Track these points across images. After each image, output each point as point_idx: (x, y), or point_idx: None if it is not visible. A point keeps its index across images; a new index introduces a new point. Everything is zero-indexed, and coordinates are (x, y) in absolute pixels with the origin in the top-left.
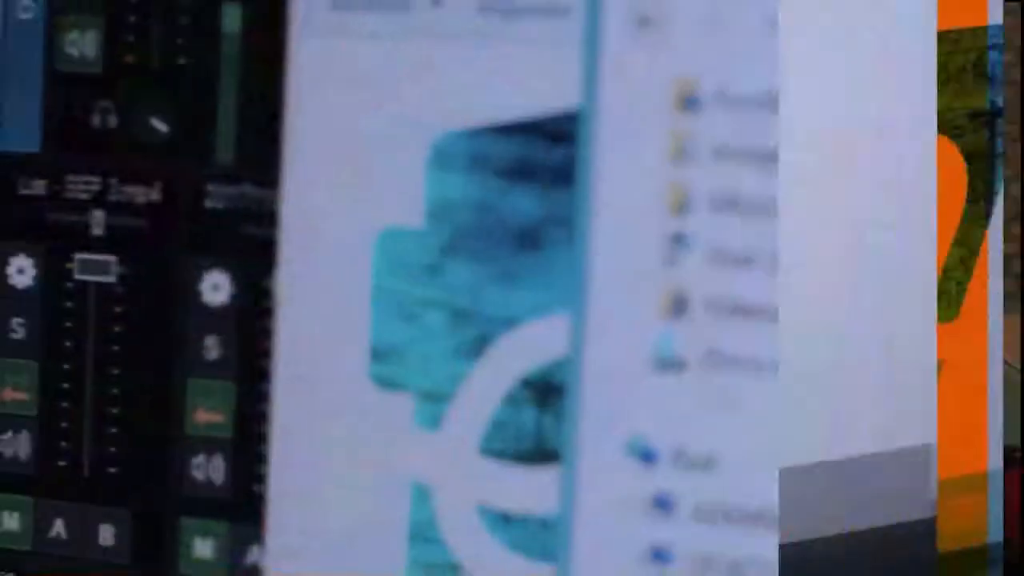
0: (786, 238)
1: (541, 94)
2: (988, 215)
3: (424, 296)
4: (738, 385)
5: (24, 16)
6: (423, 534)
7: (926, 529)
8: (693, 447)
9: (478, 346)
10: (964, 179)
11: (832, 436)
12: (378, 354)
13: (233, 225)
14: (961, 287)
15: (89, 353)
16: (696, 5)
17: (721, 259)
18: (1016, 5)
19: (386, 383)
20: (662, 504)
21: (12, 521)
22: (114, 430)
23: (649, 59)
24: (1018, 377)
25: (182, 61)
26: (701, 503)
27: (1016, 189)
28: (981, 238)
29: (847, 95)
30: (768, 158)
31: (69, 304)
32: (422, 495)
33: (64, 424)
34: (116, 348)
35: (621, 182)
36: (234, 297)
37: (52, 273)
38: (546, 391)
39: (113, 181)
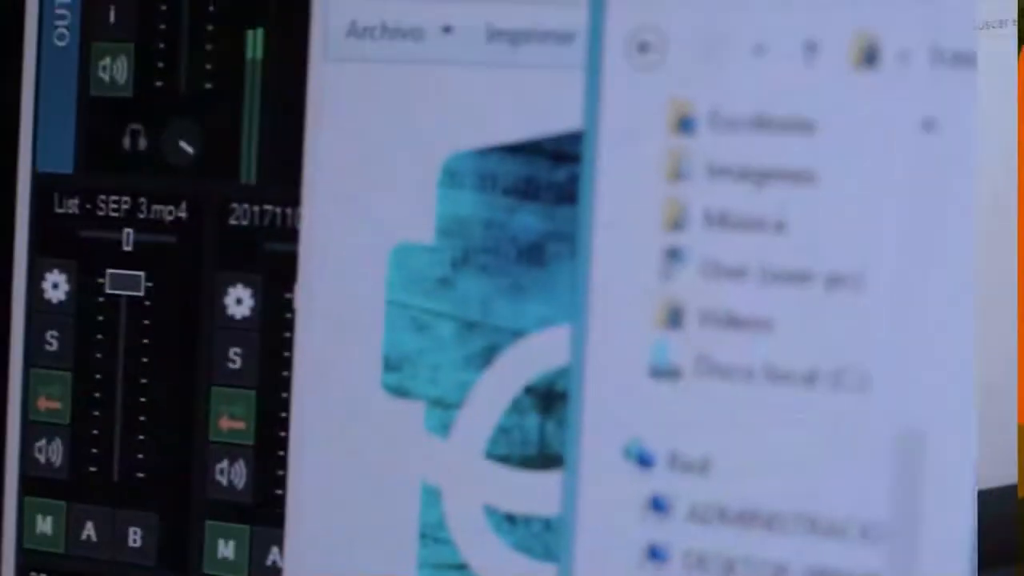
0: None
1: (546, 116)
2: None
3: (435, 308)
4: (730, 392)
5: (59, 44)
6: (432, 535)
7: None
8: (687, 451)
9: (486, 356)
10: None
11: None
12: (390, 364)
13: (256, 242)
14: None
15: (119, 364)
16: (691, 33)
17: (714, 272)
18: None
19: (398, 391)
20: (658, 505)
21: (46, 524)
22: (142, 437)
23: (647, 83)
24: None
25: (208, 86)
26: (695, 504)
27: None
28: None
29: None
30: (758, 175)
31: (100, 317)
32: (432, 497)
33: (95, 431)
34: (144, 359)
35: (620, 200)
36: (256, 310)
37: (85, 288)
38: (549, 398)
39: (142, 200)
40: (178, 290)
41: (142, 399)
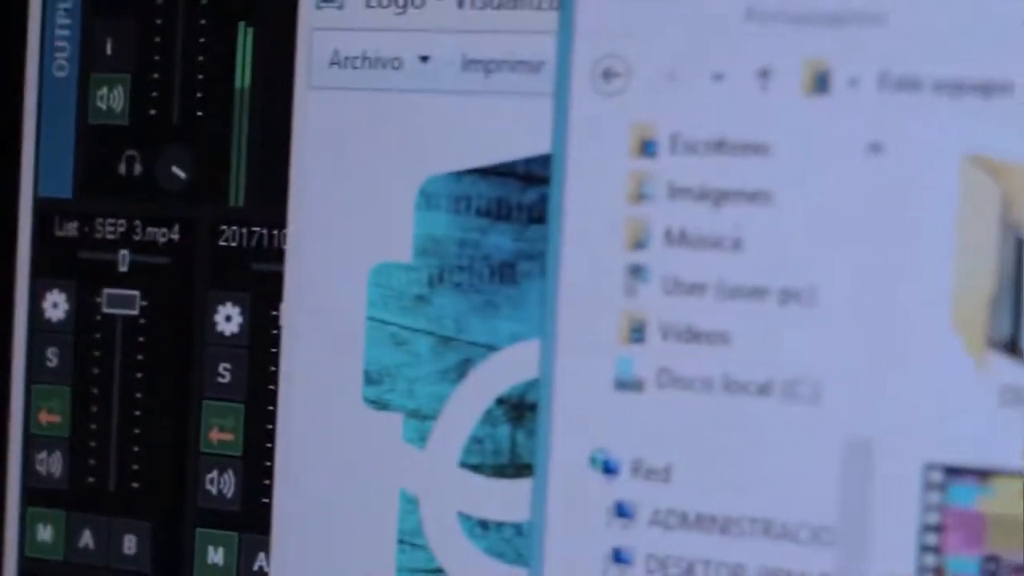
0: None
1: (517, 140)
2: None
3: (412, 325)
4: (690, 403)
5: (59, 74)
6: (410, 540)
7: None
8: (650, 459)
9: (460, 370)
10: None
11: None
12: (371, 378)
13: (244, 262)
14: None
15: (115, 379)
16: (653, 61)
17: (675, 289)
18: None
19: (378, 404)
20: (622, 511)
21: (46, 533)
22: (137, 449)
23: (611, 108)
24: None
25: (199, 114)
26: (657, 510)
27: None
28: None
29: None
30: (716, 196)
31: (97, 335)
32: (409, 505)
33: (93, 444)
34: (139, 375)
35: (586, 220)
36: (244, 327)
37: (83, 307)
38: (519, 410)
39: (137, 223)
40: (171, 308)
41: (137, 412)
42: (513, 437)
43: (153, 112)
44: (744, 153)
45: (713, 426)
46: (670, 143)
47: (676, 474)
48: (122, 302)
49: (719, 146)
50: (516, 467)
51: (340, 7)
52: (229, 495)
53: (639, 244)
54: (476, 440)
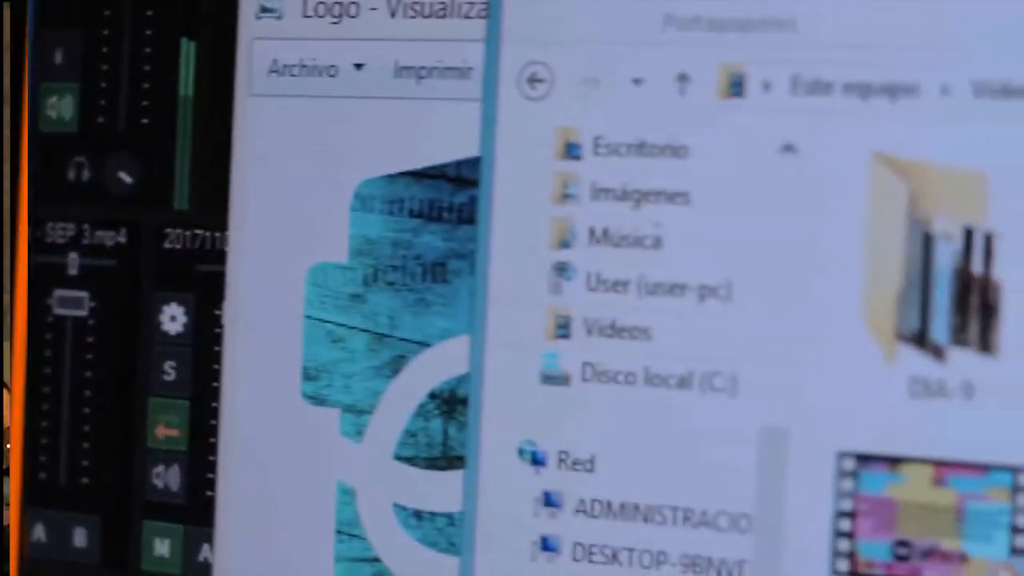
0: None
1: (448, 144)
2: None
3: (348, 323)
4: (614, 396)
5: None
6: (348, 531)
7: None
8: (575, 451)
9: (394, 366)
10: None
11: None
12: (308, 374)
13: (188, 263)
14: None
15: (66, 378)
16: (576, 67)
17: (598, 286)
18: None
19: (315, 399)
20: (550, 501)
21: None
22: (86, 445)
23: (537, 112)
24: None
25: (145, 121)
26: (583, 500)
27: None
28: None
29: None
30: (637, 196)
31: (48, 335)
32: (347, 497)
33: (44, 440)
34: (88, 373)
35: (513, 220)
36: (188, 326)
37: (34, 309)
38: (451, 404)
39: (86, 227)
40: (119, 309)
41: (86, 409)
42: (445, 430)
43: (101, 120)
44: (663, 155)
45: (636, 418)
46: (593, 145)
47: (600, 465)
48: (71, 303)
49: (640, 148)
50: (448, 459)
51: (279, 17)
52: (175, 489)
53: (564, 243)
54: (410, 433)
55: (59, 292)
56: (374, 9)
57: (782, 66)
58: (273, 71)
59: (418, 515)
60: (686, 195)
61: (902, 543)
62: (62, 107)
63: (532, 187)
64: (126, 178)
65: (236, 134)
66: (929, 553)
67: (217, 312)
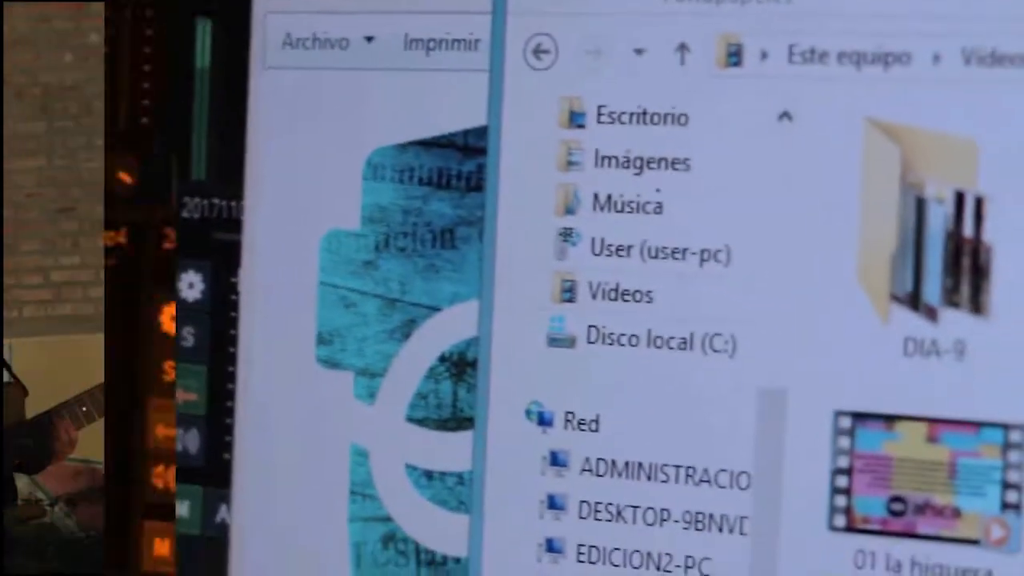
0: None
1: (456, 114)
2: None
3: (360, 288)
4: (618, 357)
5: None
6: (361, 491)
7: None
8: (581, 411)
9: (405, 330)
10: None
11: None
12: (323, 339)
13: (205, 232)
14: None
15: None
16: (580, 38)
17: (602, 251)
18: None
19: (329, 363)
20: (556, 461)
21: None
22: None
23: (542, 82)
24: None
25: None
26: (589, 459)
27: None
28: None
29: None
30: (640, 163)
31: None
32: (360, 458)
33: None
34: None
35: (520, 187)
36: (206, 293)
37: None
38: (460, 366)
39: None
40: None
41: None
42: (455, 392)
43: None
44: (664, 123)
45: (639, 379)
46: (596, 114)
47: (605, 425)
48: None
49: (641, 116)
50: (458, 420)
51: None
52: (194, 452)
53: (569, 209)
54: (421, 395)
55: None
56: None
57: (779, 36)
58: (287, 44)
59: (429, 475)
60: (686, 162)
61: (897, 499)
62: None
63: (538, 155)
64: None
65: (251, 106)
66: (923, 508)
67: (234, 279)
